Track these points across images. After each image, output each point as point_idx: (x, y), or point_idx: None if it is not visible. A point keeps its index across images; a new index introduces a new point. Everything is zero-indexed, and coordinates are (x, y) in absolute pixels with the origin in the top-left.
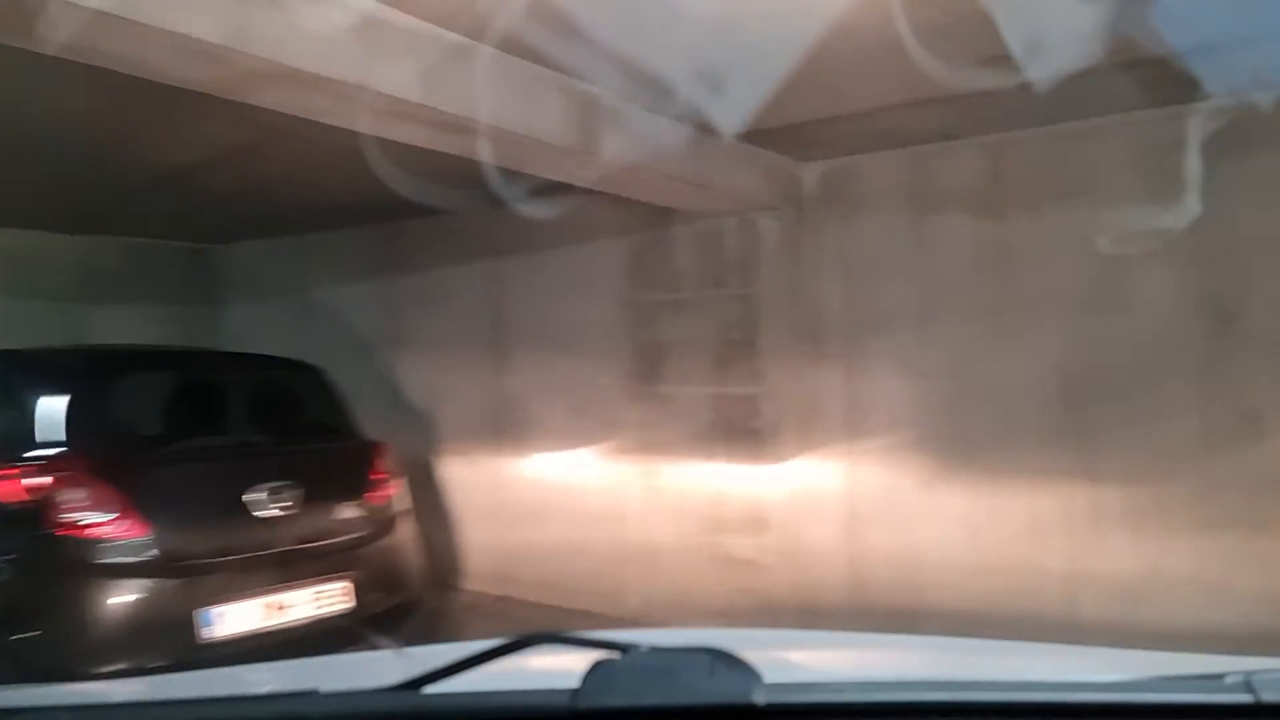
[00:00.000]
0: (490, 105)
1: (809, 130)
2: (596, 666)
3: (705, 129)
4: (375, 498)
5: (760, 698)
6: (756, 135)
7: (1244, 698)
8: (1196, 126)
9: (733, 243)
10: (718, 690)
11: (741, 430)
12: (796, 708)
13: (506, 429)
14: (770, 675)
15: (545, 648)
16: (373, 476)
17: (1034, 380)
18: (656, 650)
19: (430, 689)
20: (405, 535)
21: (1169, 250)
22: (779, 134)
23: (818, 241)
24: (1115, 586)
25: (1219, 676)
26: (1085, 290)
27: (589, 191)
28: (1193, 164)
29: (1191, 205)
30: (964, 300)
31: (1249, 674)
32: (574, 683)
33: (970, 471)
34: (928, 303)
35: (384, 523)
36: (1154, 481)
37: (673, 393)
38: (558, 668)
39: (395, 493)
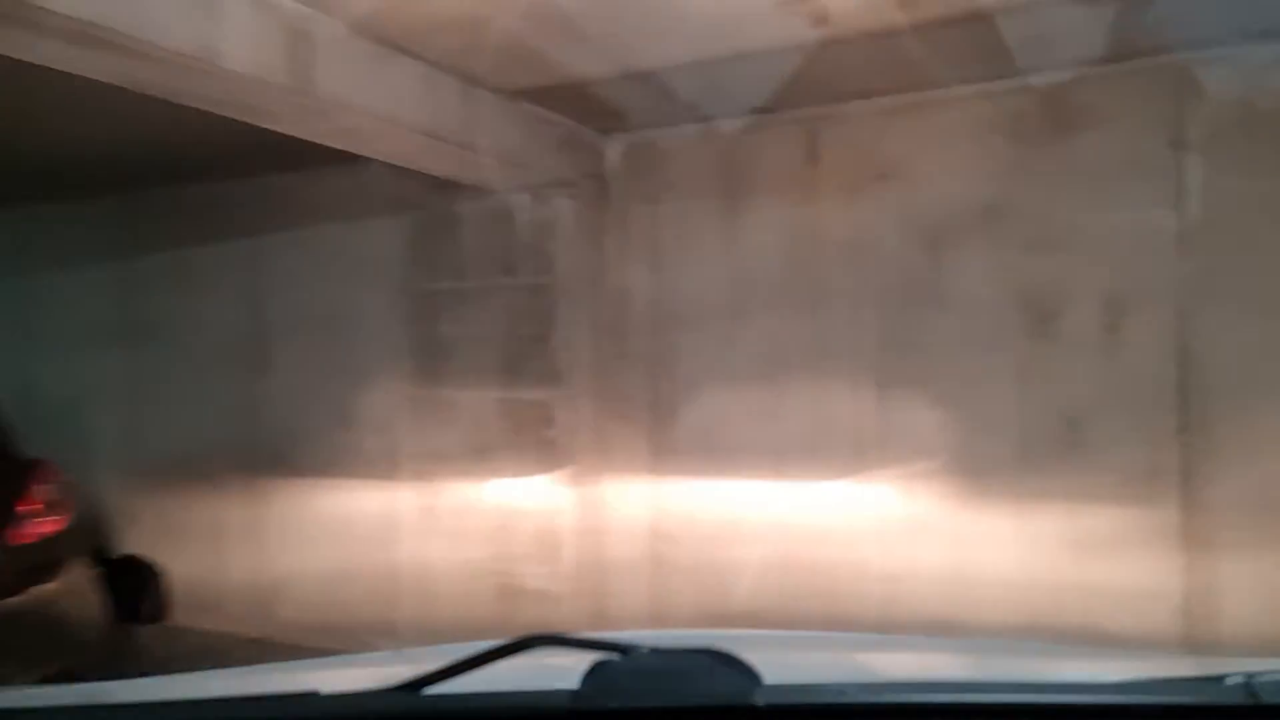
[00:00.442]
0: (157, 22)
1: (597, 91)
2: (596, 667)
3: (472, 81)
4: (21, 536)
5: (760, 699)
6: (538, 94)
7: (1244, 700)
8: (1020, 107)
9: (525, 224)
10: (718, 691)
11: (533, 440)
12: (796, 708)
13: (265, 438)
14: (770, 676)
15: (545, 649)
16: (20, 508)
17: (850, 382)
18: (656, 651)
19: (430, 690)
20: (70, 585)
21: (989, 241)
22: (564, 94)
23: (622, 225)
24: (932, 592)
25: (1219, 678)
26: (903, 283)
27: (359, 158)
28: (1015, 148)
29: (1016, 193)
30: (778, 293)
31: (1249, 676)
32: (574, 684)
33: (782, 481)
34: (740, 296)
35: (32, 570)
36: (970, 489)
37: (455, 397)
38: (558, 669)
39: (57, 528)
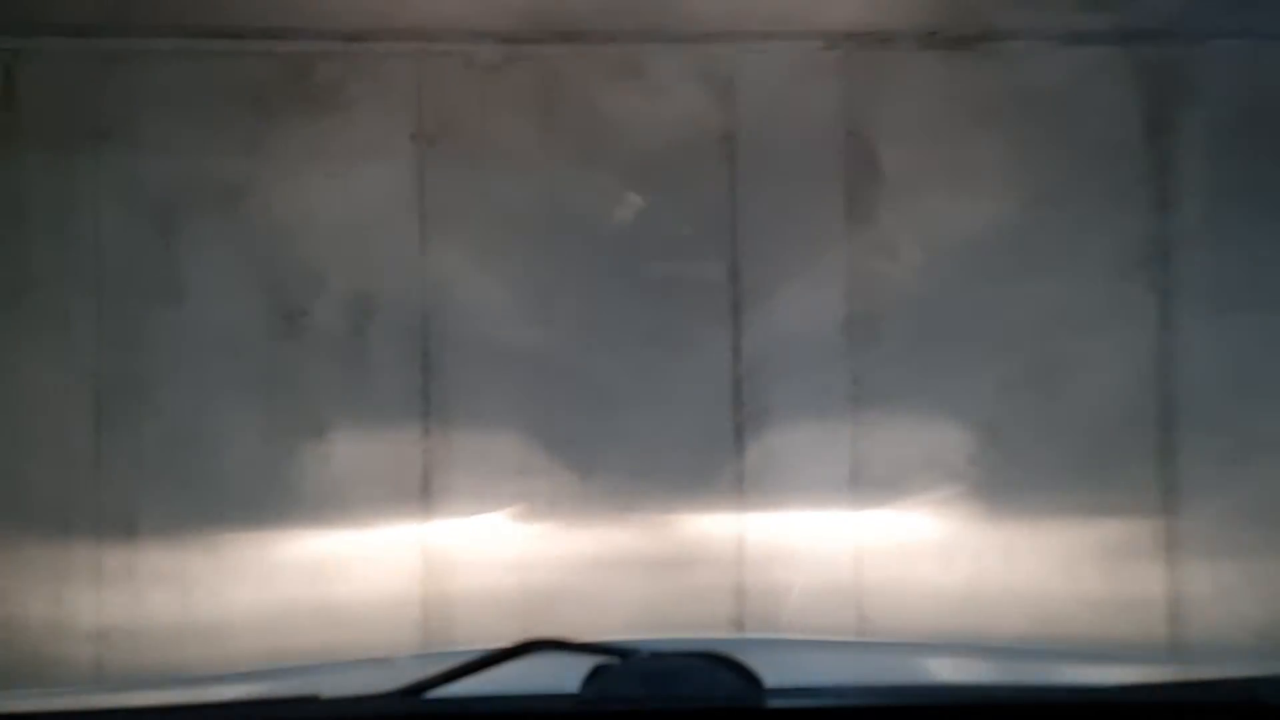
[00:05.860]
0: None
1: None
2: (597, 671)
3: None
4: None
5: (761, 702)
6: None
7: (1245, 701)
8: (265, 74)
9: None
10: (718, 695)
11: None
12: (798, 712)
13: None
14: (771, 679)
15: (546, 654)
16: None
17: (63, 392)
18: (657, 655)
19: (431, 695)
20: None
21: (224, 231)
22: None
23: None
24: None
25: (1220, 681)
26: (131, 274)
27: None
28: (260, 120)
29: (260, 172)
30: None
31: (1251, 678)
32: (575, 688)
33: None
34: None
35: None
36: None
37: None
38: (559, 674)
39: None
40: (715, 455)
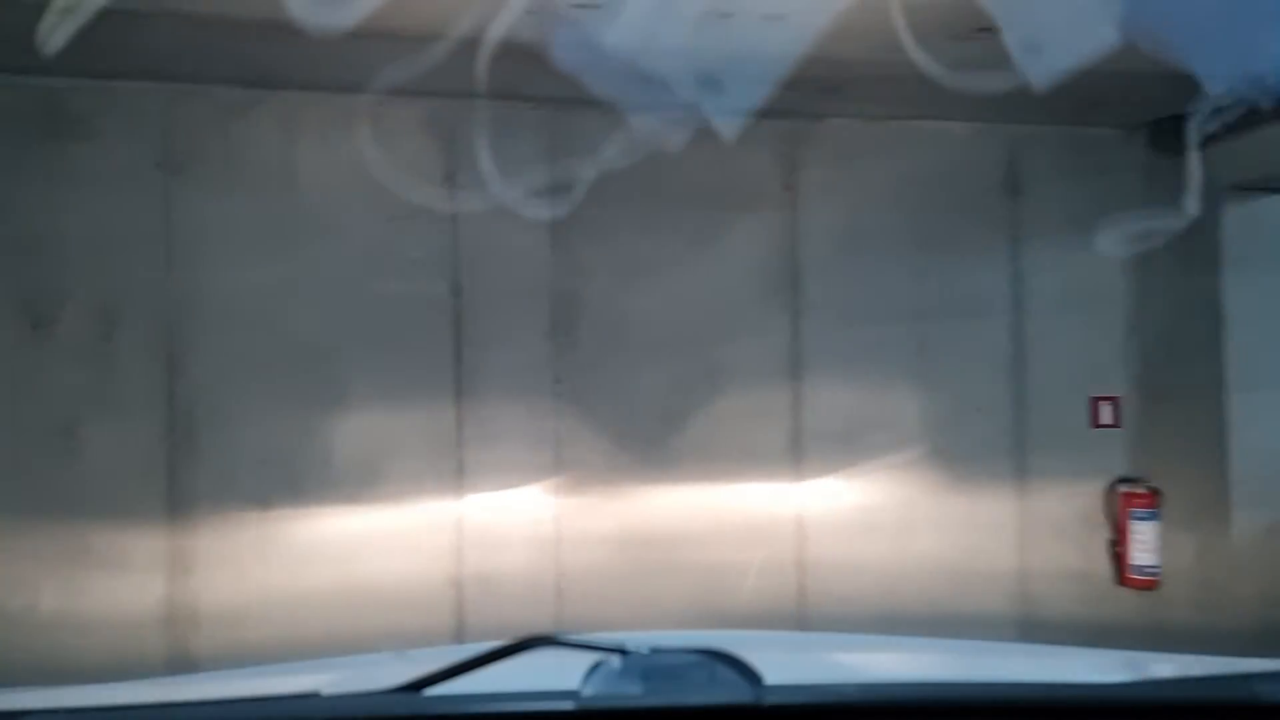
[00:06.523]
0: None
1: None
2: (597, 668)
3: None
4: None
5: (761, 699)
6: None
7: (1245, 698)
8: (16, 104)
9: None
10: (718, 691)
11: None
12: (797, 709)
13: None
14: (770, 676)
15: (546, 650)
16: None
17: None
18: (657, 651)
19: (431, 691)
20: None
21: None
22: None
23: None
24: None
25: (1221, 678)
26: None
27: None
28: (11, 146)
29: (11, 192)
30: None
31: (1250, 674)
32: (575, 684)
33: None
34: None
35: None
36: None
37: None
38: (558, 670)
39: None
40: (440, 447)
